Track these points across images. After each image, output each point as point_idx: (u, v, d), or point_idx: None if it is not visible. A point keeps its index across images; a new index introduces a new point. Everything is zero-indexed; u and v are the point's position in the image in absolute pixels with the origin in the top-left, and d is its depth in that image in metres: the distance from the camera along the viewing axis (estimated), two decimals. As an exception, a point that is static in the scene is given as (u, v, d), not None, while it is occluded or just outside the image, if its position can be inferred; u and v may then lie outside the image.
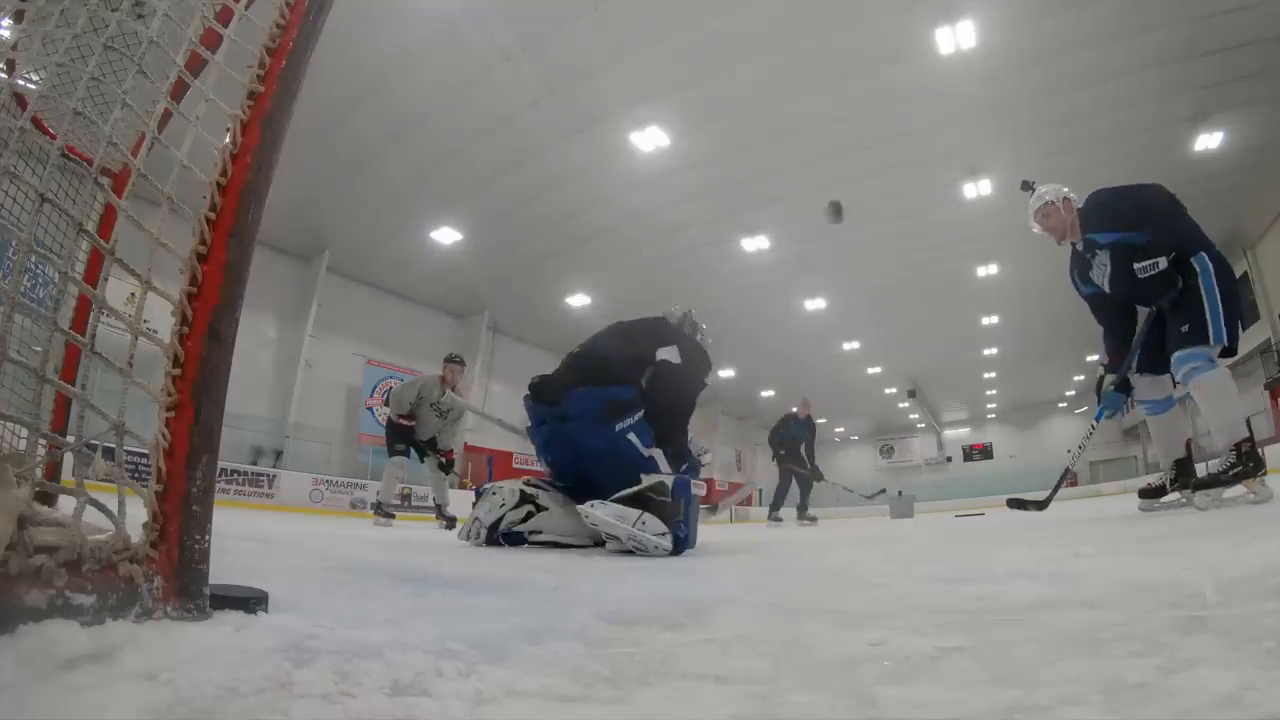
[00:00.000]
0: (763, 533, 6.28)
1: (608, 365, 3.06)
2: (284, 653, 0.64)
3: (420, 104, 9.31)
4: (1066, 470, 3.42)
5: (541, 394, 3.09)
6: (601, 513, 2.54)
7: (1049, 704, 0.49)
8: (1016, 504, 3.46)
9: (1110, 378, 3.16)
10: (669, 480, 2.66)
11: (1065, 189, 3.24)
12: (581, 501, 2.66)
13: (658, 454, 2.94)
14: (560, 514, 2.90)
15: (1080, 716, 0.47)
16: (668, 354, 3.07)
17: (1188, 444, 3.20)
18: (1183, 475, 3.13)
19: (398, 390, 6.56)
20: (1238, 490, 2.81)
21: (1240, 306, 2.88)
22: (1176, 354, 2.84)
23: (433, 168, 10.71)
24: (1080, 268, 3.23)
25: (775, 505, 9.09)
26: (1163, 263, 2.90)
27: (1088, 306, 3.36)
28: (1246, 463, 2.74)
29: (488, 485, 3.12)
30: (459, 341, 16.48)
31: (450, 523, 5.93)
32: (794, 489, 9.22)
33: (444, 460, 6.46)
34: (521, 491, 2.96)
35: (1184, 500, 3.11)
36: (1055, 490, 3.39)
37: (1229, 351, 2.81)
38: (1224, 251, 2.96)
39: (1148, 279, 2.93)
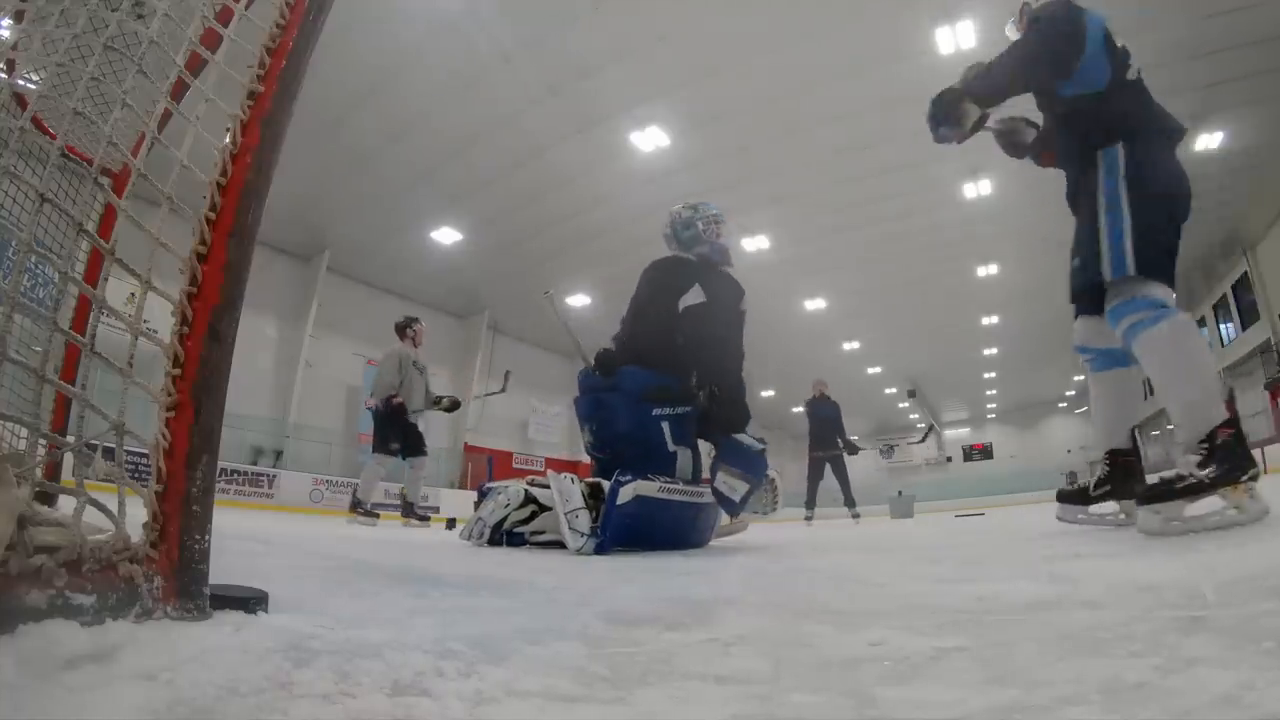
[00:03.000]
0: (762, 533, 6.25)
1: (657, 353, 3.11)
2: (284, 653, 0.64)
3: (420, 104, 9.30)
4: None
5: (600, 367, 3.21)
6: (557, 486, 2.67)
7: (1049, 704, 0.49)
8: None
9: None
10: (605, 484, 2.70)
11: None
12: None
13: (683, 453, 3.01)
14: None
15: (1080, 716, 0.47)
16: (691, 298, 3.10)
17: (1133, 431, 2.24)
18: (1118, 478, 2.17)
19: (377, 374, 6.18)
20: (1213, 503, 1.73)
21: None
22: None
23: (433, 168, 10.71)
24: None
25: (809, 502, 8.03)
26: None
27: None
28: (1224, 462, 1.71)
29: (492, 484, 3.12)
30: (459, 342, 16.49)
31: (450, 523, 5.93)
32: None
33: (448, 404, 6.54)
34: (525, 492, 2.97)
35: (1123, 515, 2.21)
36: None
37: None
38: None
39: None
